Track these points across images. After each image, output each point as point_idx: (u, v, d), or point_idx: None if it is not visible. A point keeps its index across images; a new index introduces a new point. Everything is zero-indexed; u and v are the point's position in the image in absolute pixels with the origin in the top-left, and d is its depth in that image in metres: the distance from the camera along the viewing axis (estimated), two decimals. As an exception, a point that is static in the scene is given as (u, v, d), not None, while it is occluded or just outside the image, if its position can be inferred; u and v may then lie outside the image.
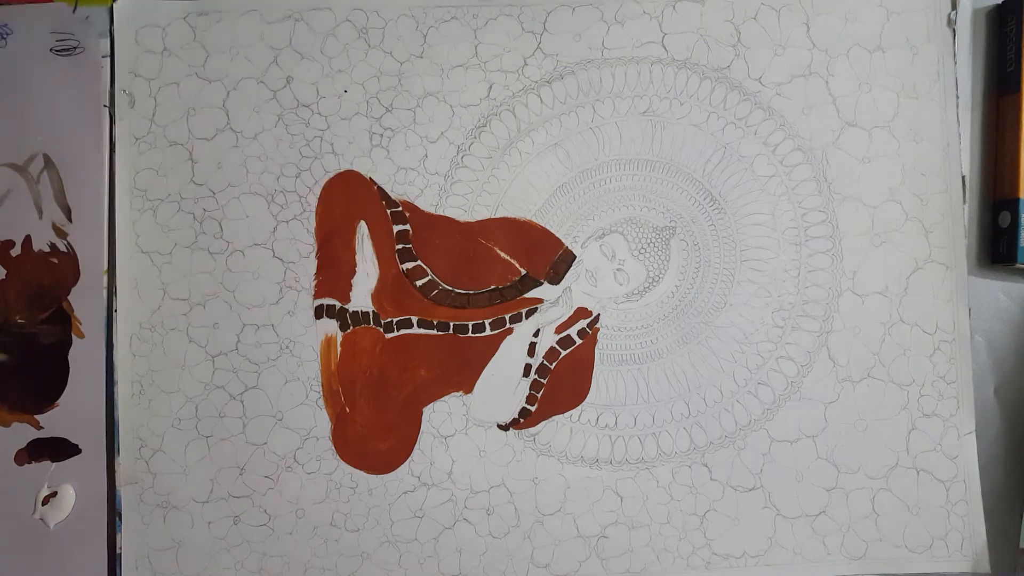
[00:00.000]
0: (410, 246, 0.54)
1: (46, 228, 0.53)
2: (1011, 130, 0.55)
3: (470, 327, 0.53)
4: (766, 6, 0.55)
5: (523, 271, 0.54)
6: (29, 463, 0.53)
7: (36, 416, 0.53)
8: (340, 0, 0.54)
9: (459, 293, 0.54)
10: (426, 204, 0.54)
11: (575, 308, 0.54)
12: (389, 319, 0.53)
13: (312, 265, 0.53)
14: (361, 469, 0.53)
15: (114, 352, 0.53)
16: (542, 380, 0.53)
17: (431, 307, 0.53)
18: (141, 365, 0.53)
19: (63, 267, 0.53)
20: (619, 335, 0.54)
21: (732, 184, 0.55)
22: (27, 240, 0.53)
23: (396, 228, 0.54)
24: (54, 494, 0.52)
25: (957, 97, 0.55)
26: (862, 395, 0.54)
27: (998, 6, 0.57)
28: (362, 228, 0.53)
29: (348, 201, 0.53)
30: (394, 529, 0.53)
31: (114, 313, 0.53)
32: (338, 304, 0.53)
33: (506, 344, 0.54)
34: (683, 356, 0.54)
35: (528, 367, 0.53)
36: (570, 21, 0.55)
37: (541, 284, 0.54)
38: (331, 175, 0.53)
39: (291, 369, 0.53)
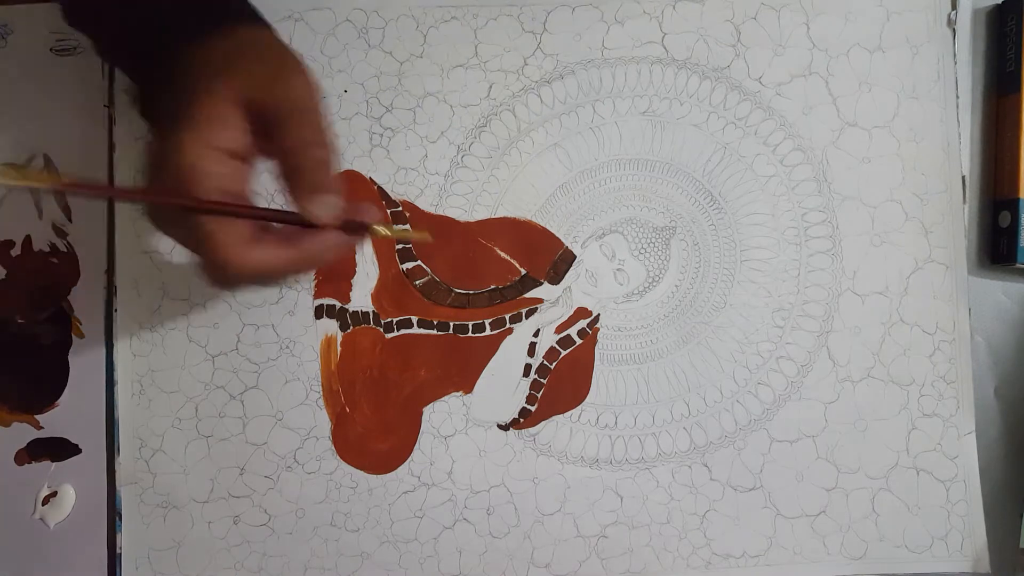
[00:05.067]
0: (410, 246, 0.54)
1: (46, 228, 0.53)
2: (1011, 130, 0.55)
3: (470, 327, 0.53)
4: (766, 6, 0.55)
5: (523, 271, 0.54)
6: (29, 463, 0.53)
7: (36, 416, 0.53)
8: (340, 0, 0.54)
9: (459, 293, 0.54)
10: (426, 204, 0.54)
11: (575, 308, 0.54)
12: (389, 319, 0.53)
13: (312, 265, 0.53)
14: (361, 469, 0.53)
15: (114, 352, 0.53)
16: (542, 380, 0.53)
17: (431, 307, 0.53)
18: (141, 365, 0.53)
19: (63, 267, 0.53)
20: (619, 335, 0.54)
21: (732, 184, 0.55)
22: (27, 240, 0.53)
23: (396, 228, 0.54)
24: (54, 494, 0.52)
25: (957, 97, 0.55)
26: (862, 395, 0.54)
27: (998, 6, 0.57)
28: (362, 228, 0.53)
29: (348, 201, 0.53)
30: (394, 529, 0.53)
31: (114, 313, 0.53)
32: (338, 304, 0.53)
33: (506, 344, 0.54)
34: (683, 356, 0.54)
35: (528, 367, 0.53)
36: (570, 21, 0.55)
37: (541, 284, 0.54)
38: (331, 175, 0.53)
39: (291, 369, 0.53)
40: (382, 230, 0.43)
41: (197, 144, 0.37)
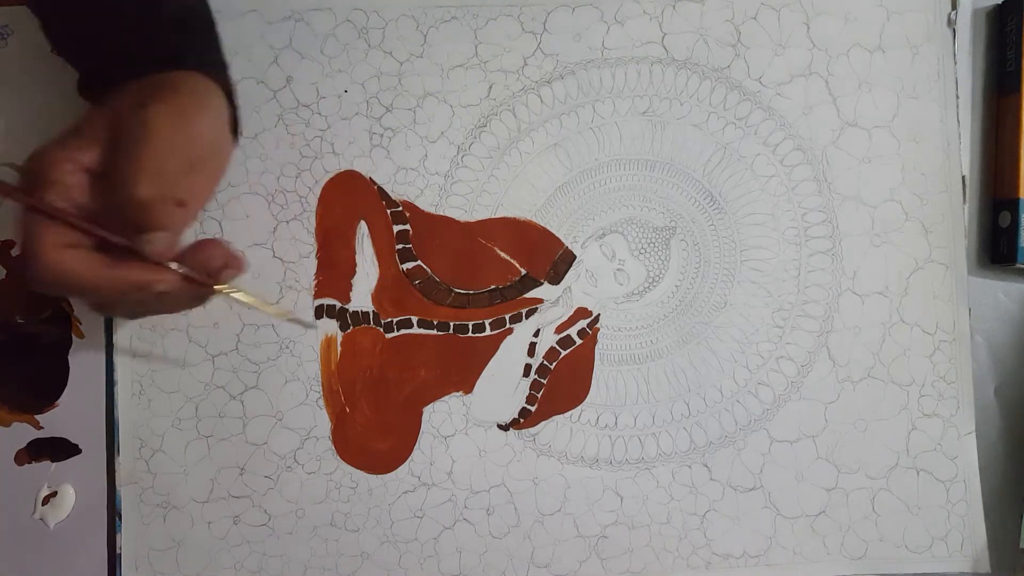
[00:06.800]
0: (410, 246, 0.54)
1: (46, 228, 0.53)
2: (1011, 130, 0.55)
3: (470, 327, 0.53)
4: (766, 6, 0.55)
5: (523, 271, 0.54)
6: (29, 463, 0.53)
7: (36, 416, 0.53)
8: (340, 0, 0.54)
9: (459, 293, 0.54)
10: (426, 204, 0.54)
11: (575, 308, 0.54)
12: (389, 319, 0.53)
13: (312, 265, 0.53)
14: (361, 469, 0.53)
15: (114, 352, 0.53)
16: (542, 380, 0.53)
17: (431, 307, 0.53)
18: (141, 365, 0.53)
19: (63, 267, 0.53)
20: (619, 335, 0.54)
21: (732, 184, 0.55)
22: (27, 240, 0.53)
23: (396, 228, 0.54)
24: (54, 494, 0.52)
25: (957, 97, 0.55)
26: (862, 395, 0.54)
27: (998, 6, 0.57)
28: (362, 228, 0.53)
29: (348, 201, 0.53)
30: (394, 529, 0.53)
31: (114, 313, 0.53)
32: (338, 304, 0.53)
33: (506, 344, 0.54)
34: (683, 356, 0.54)
35: (528, 367, 0.53)
36: (570, 21, 0.55)
37: (541, 284, 0.54)
38: (331, 175, 0.53)
39: (291, 369, 0.53)
40: (238, 296, 0.45)
41: (55, 153, 0.39)
